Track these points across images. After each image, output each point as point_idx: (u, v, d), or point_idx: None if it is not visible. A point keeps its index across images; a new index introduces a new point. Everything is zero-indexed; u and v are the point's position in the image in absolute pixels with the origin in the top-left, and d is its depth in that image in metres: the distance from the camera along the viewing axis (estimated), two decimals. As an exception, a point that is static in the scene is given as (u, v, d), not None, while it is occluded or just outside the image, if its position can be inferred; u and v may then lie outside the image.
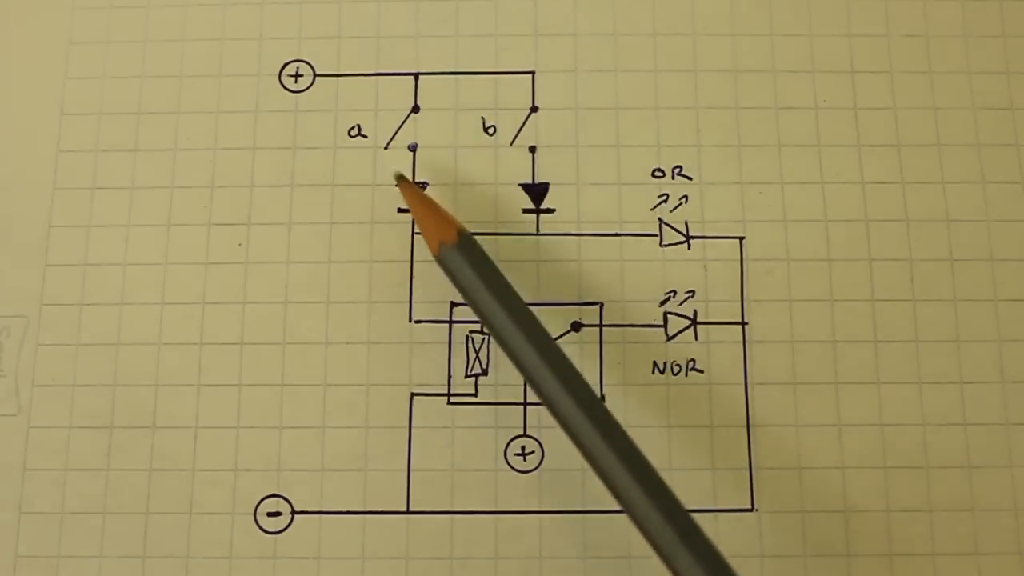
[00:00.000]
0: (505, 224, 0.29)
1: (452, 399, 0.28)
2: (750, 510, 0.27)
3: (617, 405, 0.27)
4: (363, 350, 0.28)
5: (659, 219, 0.29)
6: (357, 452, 0.27)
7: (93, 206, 0.29)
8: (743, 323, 0.28)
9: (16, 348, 0.28)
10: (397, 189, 0.28)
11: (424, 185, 0.29)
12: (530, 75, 0.30)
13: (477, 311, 0.26)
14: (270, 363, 0.28)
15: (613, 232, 0.29)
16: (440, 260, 0.26)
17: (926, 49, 0.30)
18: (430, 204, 0.27)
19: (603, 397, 0.27)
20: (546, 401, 0.25)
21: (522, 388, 0.28)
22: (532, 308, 0.28)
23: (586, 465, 0.27)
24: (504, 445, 0.27)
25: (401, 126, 0.29)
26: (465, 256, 0.26)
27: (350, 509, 0.27)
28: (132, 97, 0.30)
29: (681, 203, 0.29)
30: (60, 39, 0.30)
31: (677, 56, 0.30)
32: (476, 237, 0.27)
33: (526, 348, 0.25)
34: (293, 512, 0.27)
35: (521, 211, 0.29)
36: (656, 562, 0.23)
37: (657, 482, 0.23)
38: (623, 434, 0.24)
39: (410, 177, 0.29)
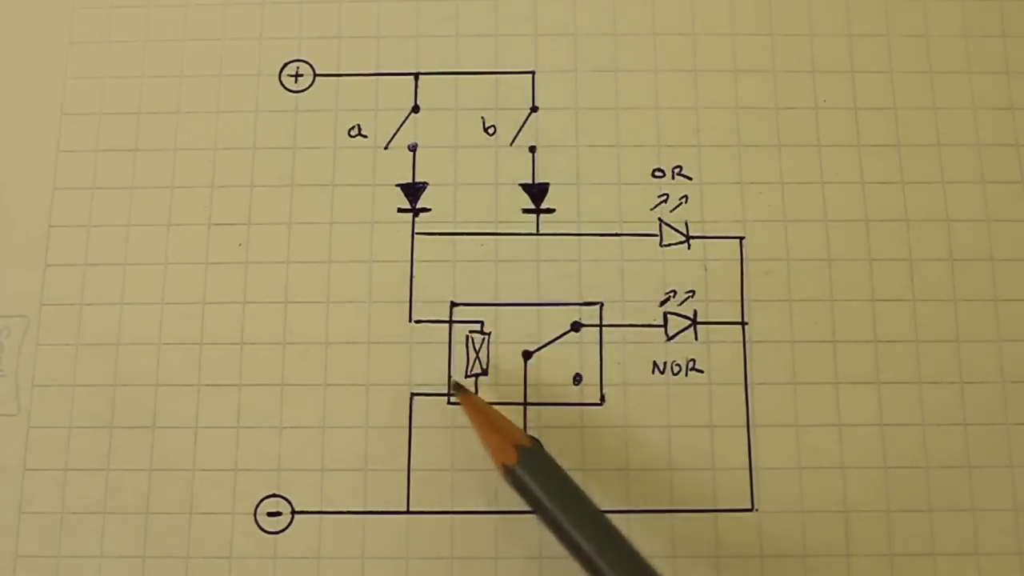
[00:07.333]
0: (505, 224, 0.29)
1: (452, 399, 0.28)
2: (750, 510, 0.27)
3: (617, 405, 0.27)
4: (363, 350, 0.28)
5: (659, 219, 0.29)
6: (357, 452, 0.27)
7: (93, 206, 0.29)
8: (743, 323, 0.28)
9: (16, 348, 0.28)
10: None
11: (424, 186, 0.29)
12: (530, 75, 0.30)
13: (550, 527, 0.25)
14: (270, 363, 0.28)
15: (613, 232, 0.29)
16: (508, 479, 0.26)
17: (926, 49, 0.30)
18: (493, 419, 0.26)
19: (603, 398, 0.27)
20: None
21: (522, 388, 0.28)
22: (533, 307, 0.28)
23: (586, 465, 0.27)
24: (504, 445, 0.27)
25: (401, 126, 0.29)
26: (528, 474, 0.25)
27: (350, 509, 0.27)
28: (132, 97, 0.30)
29: (681, 203, 0.29)
30: (60, 39, 0.30)
31: (677, 56, 0.30)
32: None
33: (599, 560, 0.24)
34: (293, 512, 0.27)
35: (521, 211, 0.29)
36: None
37: None
38: None
39: (411, 174, 0.29)
